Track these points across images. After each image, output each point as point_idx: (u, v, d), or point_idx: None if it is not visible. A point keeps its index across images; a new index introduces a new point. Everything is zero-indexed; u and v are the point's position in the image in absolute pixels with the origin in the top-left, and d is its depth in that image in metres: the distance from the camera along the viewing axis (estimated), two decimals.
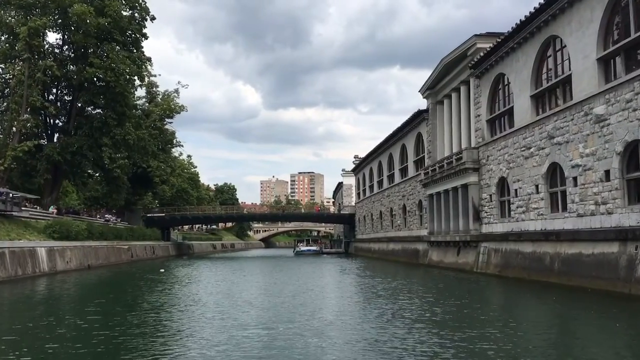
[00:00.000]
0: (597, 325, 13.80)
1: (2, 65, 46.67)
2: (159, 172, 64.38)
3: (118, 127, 47.01)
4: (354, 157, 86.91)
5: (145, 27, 49.53)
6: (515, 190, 27.69)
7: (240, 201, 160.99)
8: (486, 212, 31.50)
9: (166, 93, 63.79)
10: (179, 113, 62.90)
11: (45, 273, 31.03)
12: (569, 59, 23.24)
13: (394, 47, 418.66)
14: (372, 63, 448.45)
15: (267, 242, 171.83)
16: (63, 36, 47.09)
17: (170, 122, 64.15)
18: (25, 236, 32.18)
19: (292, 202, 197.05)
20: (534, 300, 19.34)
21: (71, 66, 46.99)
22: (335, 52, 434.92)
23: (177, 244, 78.20)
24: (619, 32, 20.35)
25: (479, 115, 32.70)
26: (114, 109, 46.92)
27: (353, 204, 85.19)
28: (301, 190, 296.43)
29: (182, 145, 72.25)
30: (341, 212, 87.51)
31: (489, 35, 31.74)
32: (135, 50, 49.21)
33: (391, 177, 56.25)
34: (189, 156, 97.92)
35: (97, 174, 56.42)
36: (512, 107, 28.41)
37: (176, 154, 75.52)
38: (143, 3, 48.61)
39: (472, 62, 32.45)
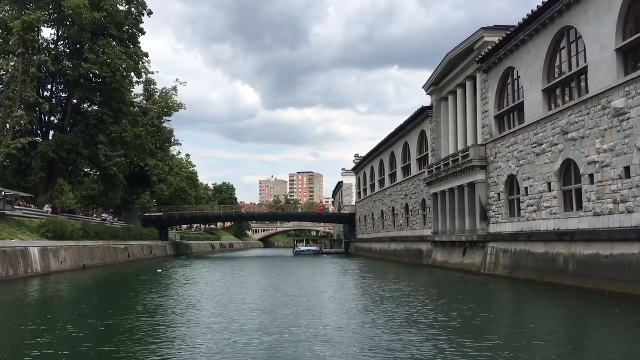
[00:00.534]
0: (623, 330, 12.82)
1: None
2: (156, 171, 63.29)
3: (115, 125, 45.96)
4: (355, 156, 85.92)
5: (142, 22, 48.44)
6: (526, 188, 26.67)
7: (239, 201, 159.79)
8: (494, 212, 30.49)
9: (164, 91, 62.69)
10: (177, 111, 61.82)
11: (39, 274, 30.00)
12: (584, 50, 22.18)
13: (393, 47, 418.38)
14: (371, 63, 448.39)
15: (266, 242, 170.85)
16: (58, 31, 45.88)
17: (169, 121, 63.25)
18: (18, 235, 31.15)
19: (292, 202, 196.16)
20: (551, 302, 18.44)
21: (66, 62, 45.84)
22: (333, 53, 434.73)
23: (175, 244, 77.12)
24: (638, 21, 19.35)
25: (486, 111, 31.68)
26: (111, 106, 45.89)
27: (353, 203, 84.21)
28: (300, 190, 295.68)
29: (181, 144, 71.08)
30: (341, 211, 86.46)
31: (497, 28, 30.71)
32: (132, 46, 48.02)
33: (393, 176, 55.21)
34: (187, 155, 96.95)
35: (94, 173, 55.41)
36: (522, 102, 27.37)
37: (174, 153, 74.46)
38: None
39: (480, 57, 31.40)
